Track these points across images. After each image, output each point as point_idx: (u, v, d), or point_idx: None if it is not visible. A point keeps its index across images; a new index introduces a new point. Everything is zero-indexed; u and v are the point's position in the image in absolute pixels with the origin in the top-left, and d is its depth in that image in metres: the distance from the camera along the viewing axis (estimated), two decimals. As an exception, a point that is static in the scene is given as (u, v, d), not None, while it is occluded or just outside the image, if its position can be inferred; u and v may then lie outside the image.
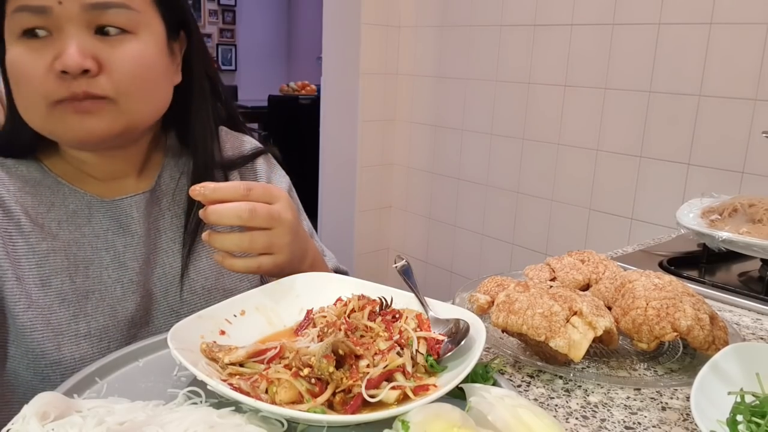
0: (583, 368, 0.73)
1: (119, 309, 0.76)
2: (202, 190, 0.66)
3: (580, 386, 0.69)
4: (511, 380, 0.69)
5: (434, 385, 0.55)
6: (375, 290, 0.69)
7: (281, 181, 0.93)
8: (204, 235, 0.70)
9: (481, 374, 0.59)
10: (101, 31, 0.70)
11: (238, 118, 0.94)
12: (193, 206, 0.82)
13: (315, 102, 4.05)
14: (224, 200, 0.66)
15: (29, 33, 0.69)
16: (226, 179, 0.88)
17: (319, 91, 3.82)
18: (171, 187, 0.84)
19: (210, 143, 0.84)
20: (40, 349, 0.71)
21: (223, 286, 0.83)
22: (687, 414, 0.64)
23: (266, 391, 0.52)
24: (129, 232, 0.79)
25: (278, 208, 0.70)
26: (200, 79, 0.83)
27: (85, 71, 0.68)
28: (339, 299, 0.68)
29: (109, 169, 0.81)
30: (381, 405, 0.51)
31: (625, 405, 0.66)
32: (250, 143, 0.93)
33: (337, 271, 0.93)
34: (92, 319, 0.74)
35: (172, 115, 0.82)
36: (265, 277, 0.90)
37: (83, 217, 0.77)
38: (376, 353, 0.56)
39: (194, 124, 0.83)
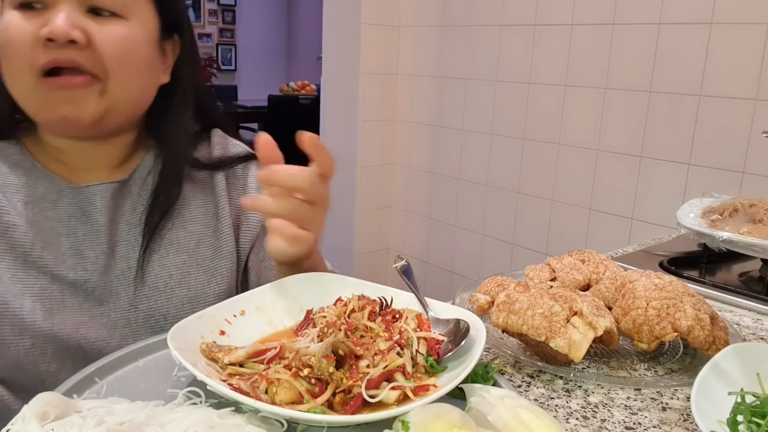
0: (583, 368, 0.73)
1: (68, 294, 0.75)
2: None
3: (580, 386, 0.69)
4: (511, 380, 0.69)
5: (434, 386, 0.55)
6: (375, 290, 0.69)
7: None
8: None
9: (481, 374, 0.59)
10: (93, 11, 0.72)
11: (226, 126, 0.95)
12: (155, 202, 0.82)
13: (315, 102, 4.06)
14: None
15: (26, 6, 0.71)
16: (210, 183, 0.88)
17: (319, 91, 3.82)
18: (145, 182, 0.84)
19: (182, 146, 0.84)
20: None
21: (188, 285, 0.82)
22: (687, 414, 0.64)
23: (266, 392, 0.52)
24: (90, 220, 0.78)
25: (327, 188, 0.71)
26: (185, 85, 0.84)
27: (72, 42, 0.69)
28: (339, 299, 0.68)
29: (85, 160, 0.81)
30: (381, 405, 0.51)
31: (625, 405, 0.65)
32: (240, 147, 0.93)
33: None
34: (38, 299, 0.73)
35: (154, 116, 0.83)
36: (239, 286, 0.89)
37: (50, 201, 0.77)
38: (376, 353, 0.56)
39: (169, 126, 0.84)
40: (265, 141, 0.68)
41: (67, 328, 0.73)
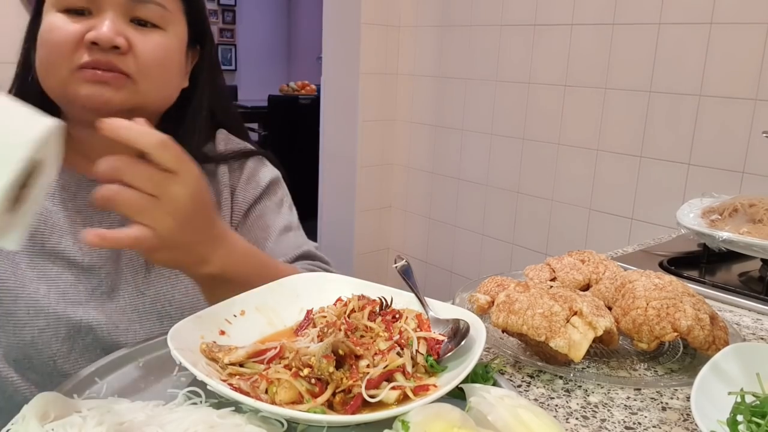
0: (583, 368, 0.73)
1: (83, 278, 0.79)
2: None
3: (580, 386, 0.69)
4: (511, 380, 0.69)
5: (434, 385, 0.55)
6: (375, 290, 0.69)
7: (266, 174, 0.95)
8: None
9: (481, 374, 0.59)
10: (136, 22, 0.78)
11: (239, 128, 0.98)
12: None
13: (315, 102, 4.05)
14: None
15: (73, 11, 0.76)
16: (215, 174, 0.90)
17: (319, 91, 3.82)
18: None
19: (194, 145, 0.86)
20: None
21: None
22: (687, 414, 0.64)
23: (266, 392, 0.52)
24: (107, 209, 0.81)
25: (175, 181, 0.59)
26: (202, 90, 0.89)
27: (115, 48, 0.74)
28: (339, 299, 0.68)
29: (105, 152, 0.79)
30: (381, 405, 0.51)
31: (625, 405, 0.66)
32: (241, 144, 0.96)
33: (314, 258, 0.92)
34: (53, 284, 0.77)
35: (171, 116, 0.86)
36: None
37: (69, 192, 0.81)
38: (376, 353, 0.56)
39: (184, 127, 0.87)
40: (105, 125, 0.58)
41: (79, 312, 0.77)
